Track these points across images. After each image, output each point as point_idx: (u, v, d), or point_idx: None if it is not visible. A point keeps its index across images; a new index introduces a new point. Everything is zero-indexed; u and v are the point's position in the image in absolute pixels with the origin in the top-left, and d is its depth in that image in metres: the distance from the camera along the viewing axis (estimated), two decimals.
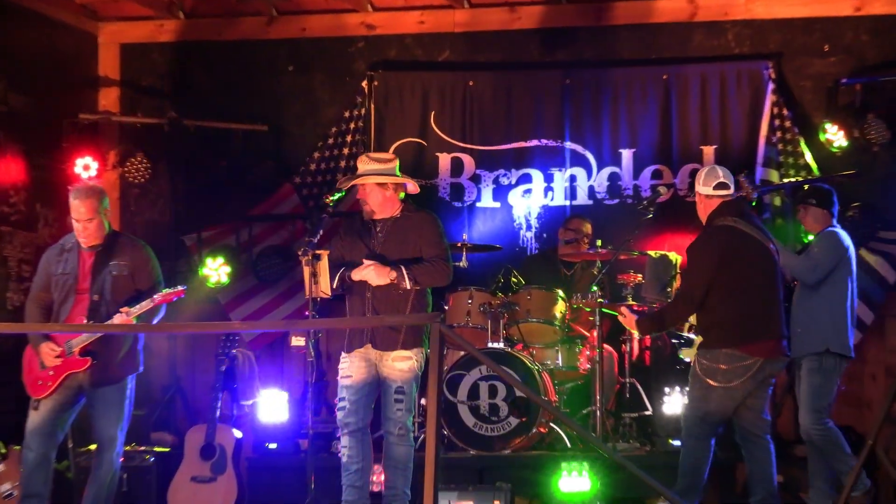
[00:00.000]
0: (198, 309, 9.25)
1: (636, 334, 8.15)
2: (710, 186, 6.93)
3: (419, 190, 7.00)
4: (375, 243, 6.77)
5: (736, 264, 6.75)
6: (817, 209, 7.56)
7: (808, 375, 7.31)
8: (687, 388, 7.10)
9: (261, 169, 9.67)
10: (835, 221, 7.61)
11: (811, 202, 7.58)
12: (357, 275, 6.65)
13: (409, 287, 6.65)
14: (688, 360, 7.11)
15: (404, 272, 6.62)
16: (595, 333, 8.23)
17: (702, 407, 6.77)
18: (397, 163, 6.87)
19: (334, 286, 6.70)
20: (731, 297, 6.72)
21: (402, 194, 6.85)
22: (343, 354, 6.80)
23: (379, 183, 6.76)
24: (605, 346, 8.33)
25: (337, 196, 7.05)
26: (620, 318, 7.35)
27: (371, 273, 6.63)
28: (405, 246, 6.74)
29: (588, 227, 9.03)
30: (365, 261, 6.69)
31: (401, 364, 6.66)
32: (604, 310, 8.21)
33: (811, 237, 7.76)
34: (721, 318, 6.74)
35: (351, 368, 6.72)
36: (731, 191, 6.94)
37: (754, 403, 6.84)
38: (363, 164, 6.81)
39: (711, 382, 6.71)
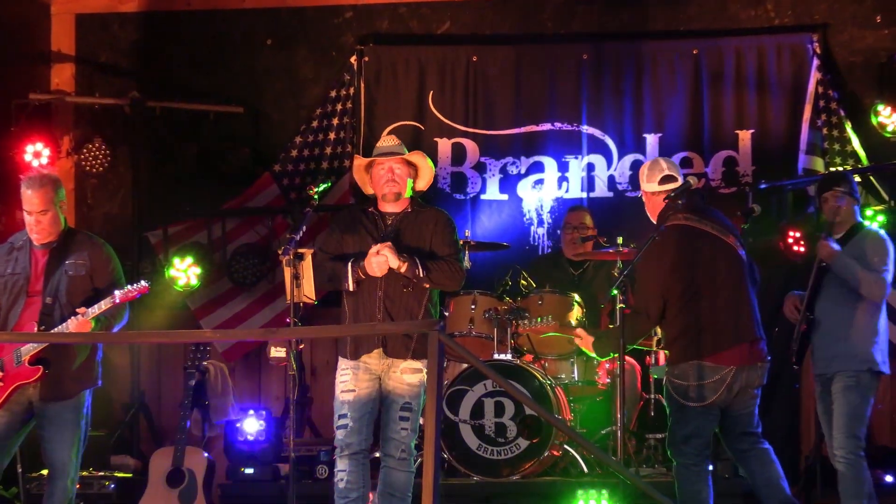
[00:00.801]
0: (164, 315, 9.26)
1: (596, 357, 8.10)
2: (654, 182, 6.90)
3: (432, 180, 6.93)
4: (385, 237, 6.72)
5: (692, 268, 6.72)
6: (852, 199, 7.46)
7: (844, 393, 7.19)
8: None
9: (236, 156, 9.69)
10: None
11: (846, 190, 7.46)
12: (370, 263, 6.56)
13: (420, 275, 6.57)
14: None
15: (417, 262, 6.58)
16: None
17: (682, 429, 6.76)
18: None
19: (349, 286, 6.64)
20: (691, 305, 6.70)
21: (409, 192, 6.81)
22: (343, 364, 6.71)
23: (408, 162, 6.74)
24: (627, 357, 8.32)
25: (322, 187, 7.03)
26: (577, 341, 7.35)
27: (385, 262, 6.52)
28: (420, 241, 6.70)
29: (589, 219, 9.02)
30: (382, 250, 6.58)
31: (410, 377, 6.62)
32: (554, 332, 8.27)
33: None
34: (683, 328, 6.72)
35: (354, 381, 6.64)
36: (679, 183, 6.91)
37: (737, 417, 6.82)
38: (391, 141, 6.82)
39: (686, 402, 6.70)
